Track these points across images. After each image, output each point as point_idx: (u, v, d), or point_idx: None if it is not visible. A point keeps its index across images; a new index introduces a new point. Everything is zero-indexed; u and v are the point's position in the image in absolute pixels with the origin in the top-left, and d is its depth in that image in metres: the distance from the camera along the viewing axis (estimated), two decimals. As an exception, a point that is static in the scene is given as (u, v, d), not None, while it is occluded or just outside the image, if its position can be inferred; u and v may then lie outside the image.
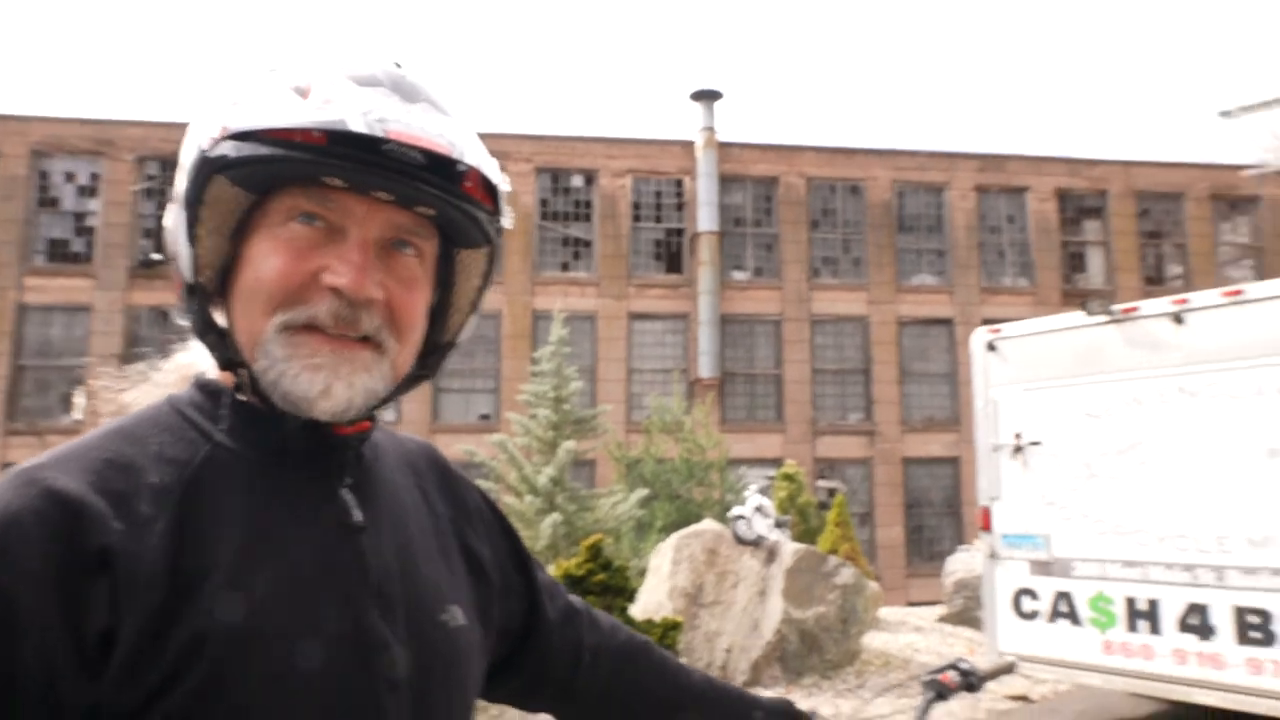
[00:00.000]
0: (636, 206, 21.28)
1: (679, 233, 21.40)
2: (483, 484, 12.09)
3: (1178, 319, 5.65)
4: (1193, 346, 5.57)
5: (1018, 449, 6.32)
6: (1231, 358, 5.40)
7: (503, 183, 0.83)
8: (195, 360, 0.88)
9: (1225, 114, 20.37)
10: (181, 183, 0.78)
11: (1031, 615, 6.14)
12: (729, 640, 7.19)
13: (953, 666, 1.74)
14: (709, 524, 8.18)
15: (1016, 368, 6.43)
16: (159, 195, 20.10)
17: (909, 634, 9.64)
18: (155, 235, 19.99)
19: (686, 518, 11.85)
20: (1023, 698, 7.41)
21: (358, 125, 0.72)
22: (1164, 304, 5.81)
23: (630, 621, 6.36)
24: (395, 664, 0.79)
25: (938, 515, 20.78)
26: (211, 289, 0.79)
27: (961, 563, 10.39)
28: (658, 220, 21.41)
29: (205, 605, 0.70)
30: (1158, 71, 70.05)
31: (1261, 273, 21.36)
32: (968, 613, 10.04)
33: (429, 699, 0.82)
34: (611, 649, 1.13)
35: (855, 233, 21.87)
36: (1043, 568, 6.10)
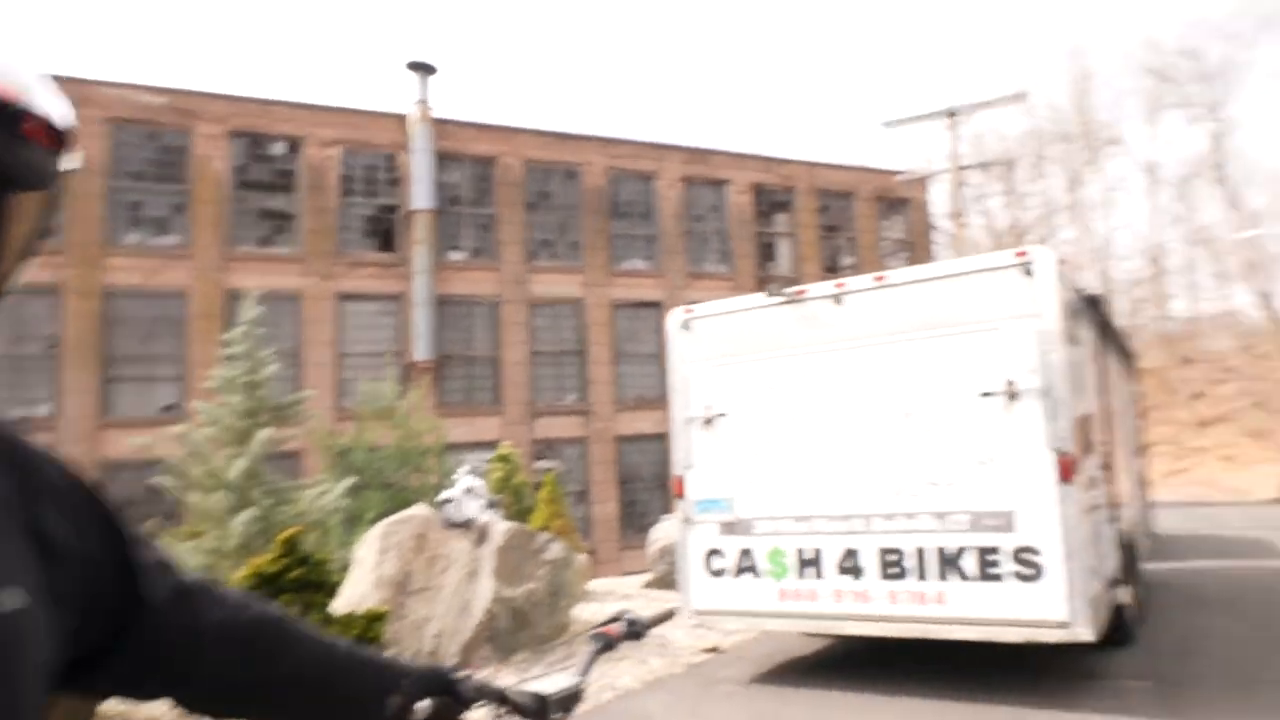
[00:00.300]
0: (347, 180, 20.14)
1: (392, 210, 20.57)
2: (162, 483, 10.87)
3: (837, 300, 6.38)
4: (849, 324, 6.32)
5: (708, 420, 6.82)
6: (878, 333, 6.20)
7: (69, 121, 0.76)
8: None
9: (888, 124, 23.39)
10: None
11: (720, 572, 6.68)
12: (438, 625, 7.08)
13: (616, 619, 1.82)
14: (418, 509, 7.99)
15: (707, 345, 6.93)
16: None
17: (616, 602, 10.09)
18: None
19: (401, 506, 11.49)
20: (715, 649, 8.03)
21: None
22: (827, 287, 6.55)
23: (329, 618, 6.05)
24: None
25: (648, 489, 21.94)
26: None
27: (664, 531, 11.05)
28: (370, 196, 20.42)
29: None
30: (839, 80, 78.63)
31: (912, 263, 24.85)
32: (670, 577, 10.71)
33: None
34: (239, 624, 1.07)
35: (571, 216, 22.35)
36: (729, 528, 6.64)
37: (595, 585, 10.99)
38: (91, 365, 16.92)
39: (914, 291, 6.13)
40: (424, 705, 1.22)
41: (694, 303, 7.46)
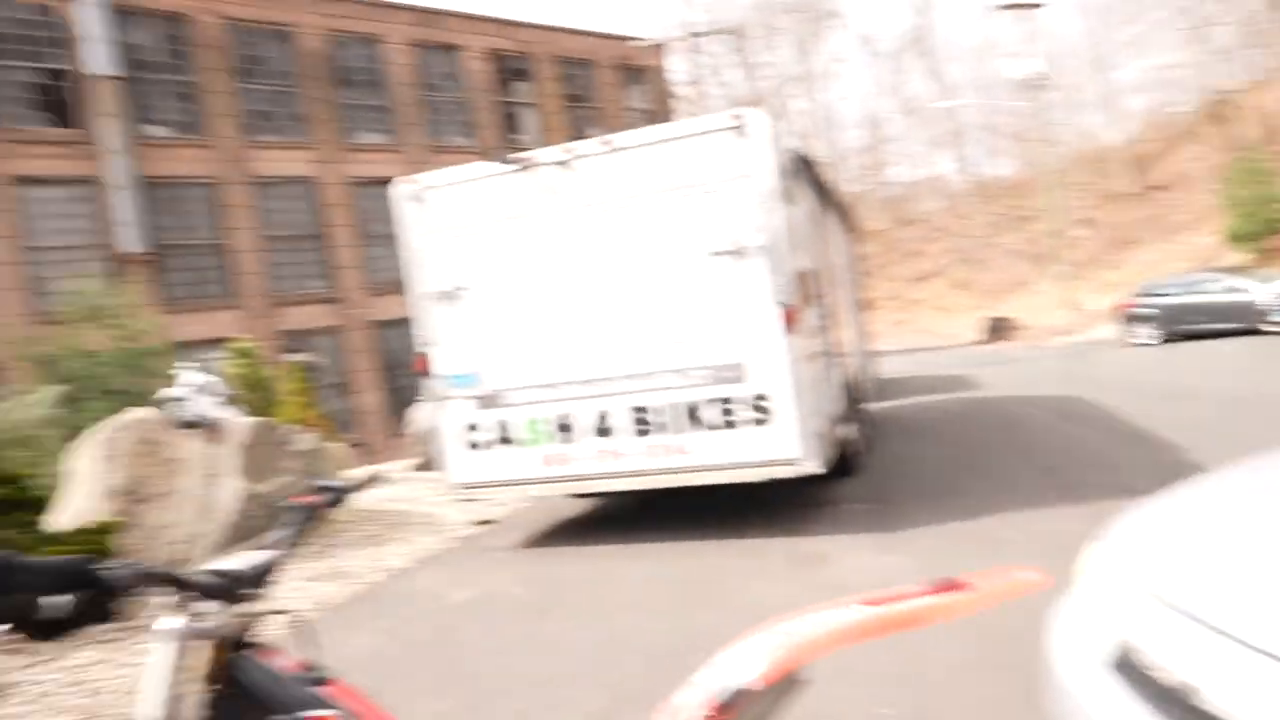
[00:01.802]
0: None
1: (62, 75, 17.59)
2: None
3: (566, 165, 6.39)
4: (580, 189, 6.38)
5: (448, 295, 6.71)
6: (610, 198, 6.32)
7: None
8: None
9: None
10: None
11: (478, 445, 6.76)
12: (182, 530, 6.66)
13: (317, 488, 1.79)
14: (143, 412, 7.31)
15: (440, 217, 6.72)
16: None
17: (383, 489, 9.98)
18: None
19: (126, 413, 10.44)
20: (487, 522, 8.23)
21: None
22: (555, 152, 6.52)
23: (42, 535, 5.47)
24: None
25: (411, 375, 21.44)
26: None
27: (421, 413, 10.94)
28: (32, 57, 17.28)
29: None
30: (574, -58, 75.85)
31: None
32: (434, 458, 10.71)
33: None
34: None
35: (289, 85, 20.34)
36: (483, 401, 6.69)
37: (358, 473, 10.76)
38: None
39: (640, 155, 6.27)
40: (57, 600, 1.16)
41: (440, 178, 7.16)
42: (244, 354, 11.90)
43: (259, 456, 7.18)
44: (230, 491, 6.83)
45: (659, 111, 27.31)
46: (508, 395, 6.64)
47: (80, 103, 17.54)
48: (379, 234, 21.25)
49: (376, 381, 20.79)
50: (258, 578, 1.56)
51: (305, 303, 20.01)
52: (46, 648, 4.98)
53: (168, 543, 6.46)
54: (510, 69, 24.37)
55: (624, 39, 26.23)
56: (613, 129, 25.33)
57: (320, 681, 1.57)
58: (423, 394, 8.43)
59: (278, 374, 13.37)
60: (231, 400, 7.89)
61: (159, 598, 1.40)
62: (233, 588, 1.51)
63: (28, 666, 4.83)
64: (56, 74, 17.46)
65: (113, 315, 12.60)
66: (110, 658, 4.93)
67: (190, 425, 7.02)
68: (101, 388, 11.64)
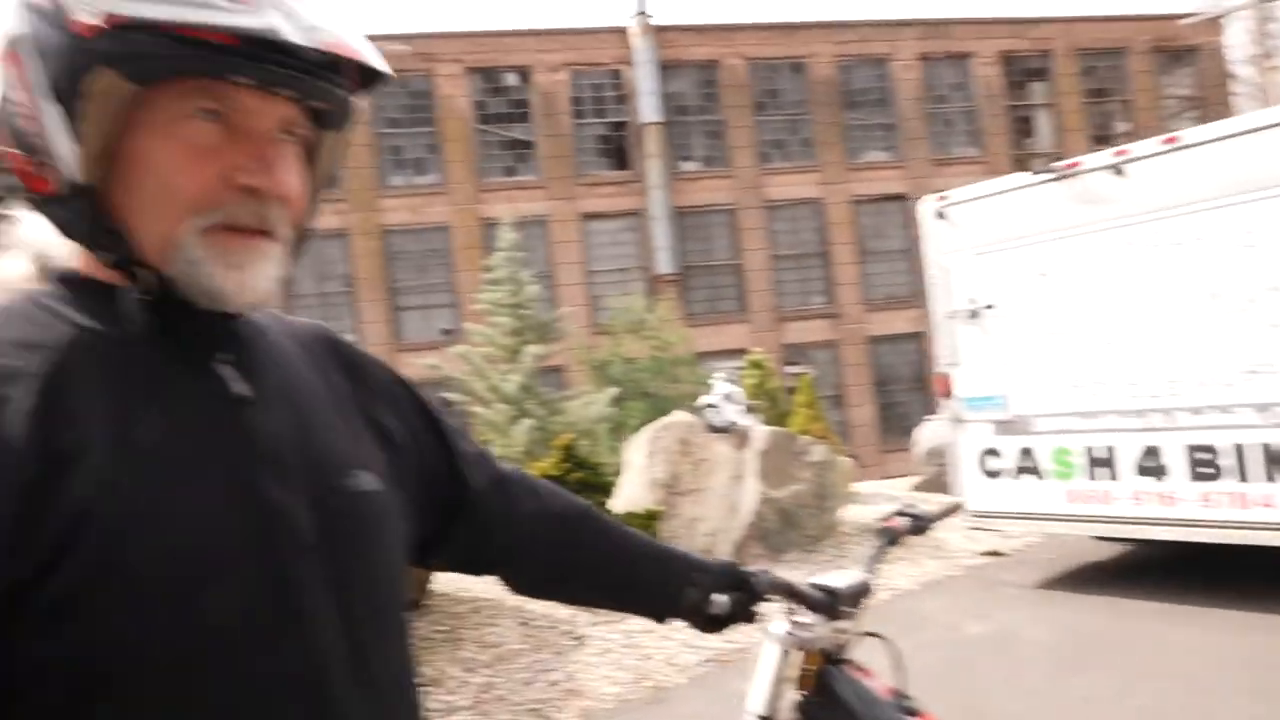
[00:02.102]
0: (576, 102, 20.69)
1: (622, 126, 20.90)
2: (452, 397, 12.08)
3: (1118, 171, 5.66)
4: (1134, 197, 5.60)
5: (973, 313, 6.41)
6: (1172, 205, 5.45)
7: (388, 69, 0.82)
8: (9, 271, 0.85)
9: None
10: (35, 72, 0.73)
11: (997, 473, 6.35)
12: (710, 525, 7.38)
13: (900, 513, 1.78)
14: (680, 415, 8.28)
15: (966, 233, 6.46)
16: None
17: (884, 505, 9.97)
18: None
19: (660, 414, 11.98)
20: (995, 553, 7.74)
21: (292, 34, 0.72)
22: (1105, 157, 5.82)
23: (612, 515, 6.48)
24: (298, 527, 0.79)
25: (906, 390, 21.23)
26: (97, 186, 0.75)
27: (930, 432, 10.68)
28: (599, 115, 20.85)
29: (84, 483, 0.69)
30: (1097, -80, 68.47)
31: (1205, 123, 21.54)
32: (940, 479, 10.36)
33: (343, 560, 0.82)
34: (551, 514, 1.16)
35: (802, 113, 21.53)
36: (1005, 427, 6.27)
37: (860, 488, 10.92)
38: (380, 297, 18.99)
39: (1216, 152, 5.28)
40: (720, 599, 1.27)
41: (942, 191, 6.95)
42: (757, 365, 12.86)
43: (776, 463, 7.65)
44: (751, 494, 7.39)
45: (1210, 99, 23.20)
46: (1034, 422, 6.13)
47: (632, 147, 20.71)
48: (877, 250, 21.43)
49: (869, 396, 20.97)
50: (855, 597, 1.59)
51: (806, 317, 21.01)
52: (607, 613, 5.88)
53: (705, 534, 7.20)
54: (1023, 70, 22.78)
55: (1168, 18, 22.76)
56: (1146, 124, 22.17)
57: (912, 712, 1.55)
58: (935, 413, 8.23)
59: (785, 385, 14.21)
60: (752, 409, 8.55)
61: (775, 604, 1.50)
62: (834, 604, 1.55)
63: (594, 624, 5.75)
64: (616, 125, 20.86)
65: (649, 328, 14.56)
66: (654, 628, 5.64)
67: (719, 430, 7.75)
68: (639, 390, 13.54)
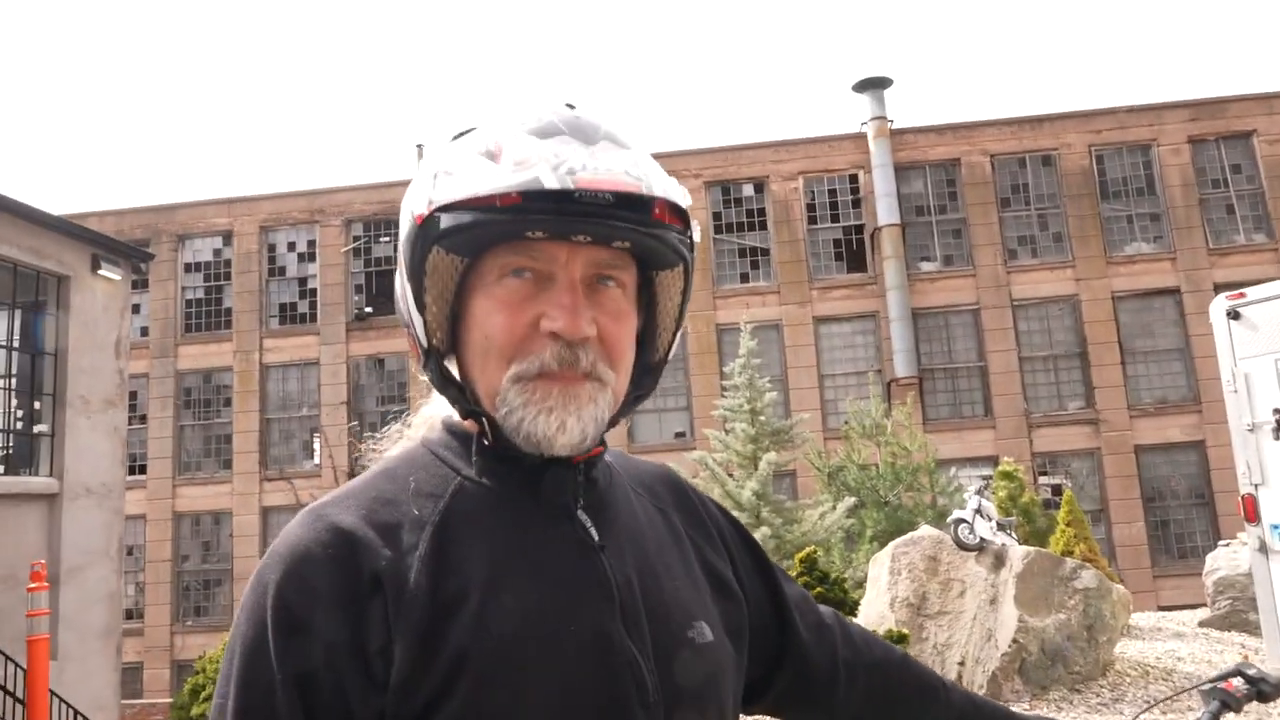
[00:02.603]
0: (810, 208, 20.90)
1: (858, 229, 20.79)
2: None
3: None
4: None
5: (1278, 426, 5.60)
6: None
7: (686, 200, 0.87)
8: (439, 410, 0.96)
9: None
10: (404, 256, 0.85)
11: (1321, 616, 5.39)
12: (960, 652, 6.79)
13: (1238, 673, 1.52)
14: (927, 530, 7.78)
15: (1269, 336, 5.71)
16: (365, 253, 21.96)
17: (1168, 640, 8.71)
18: (365, 290, 21.83)
19: (897, 525, 11.39)
20: (1317, 710, 6.48)
21: (550, 181, 0.77)
22: None
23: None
24: (644, 679, 0.81)
25: (1184, 507, 18.77)
26: (444, 349, 0.86)
27: (1224, 559, 9.28)
28: (834, 219, 20.91)
29: (464, 627, 0.77)
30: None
31: None
32: (1235, 616, 8.94)
33: (683, 715, 0.83)
34: (868, 664, 1.12)
35: (1052, 207, 20.35)
36: (1328, 560, 5.34)
37: (1136, 619, 9.65)
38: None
39: None
40: None
41: (1222, 285, 6.21)
42: (1008, 476, 11.93)
43: (1037, 588, 6.96)
44: (1008, 621, 6.74)
45: None
46: (1368, 557, 5.17)
47: (868, 250, 20.51)
48: (1143, 350, 19.48)
49: (1138, 512, 18.72)
50: None
51: (1060, 423, 19.33)
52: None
53: (955, 662, 6.64)
54: (1320, 147, 20.25)
55: None
56: None
57: None
58: (1229, 537, 7.18)
59: (1038, 498, 13.03)
60: (1004, 526, 7.89)
61: None
62: None
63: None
64: (852, 229, 20.81)
65: (886, 433, 14.00)
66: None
67: (970, 548, 7.20)
68: (874, 499, 12.95)
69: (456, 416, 0.91)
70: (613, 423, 0.88)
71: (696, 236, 0.89)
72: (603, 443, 0.91)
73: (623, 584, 0.84)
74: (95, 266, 11.34)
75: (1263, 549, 5.70)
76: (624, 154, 0.82)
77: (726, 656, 0.91)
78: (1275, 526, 5.63)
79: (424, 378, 0.94)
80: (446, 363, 0.86)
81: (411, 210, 0.83)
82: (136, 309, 20.64)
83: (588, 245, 0.82)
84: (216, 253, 22.34)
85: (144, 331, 21.60)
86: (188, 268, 22.32)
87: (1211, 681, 1.57)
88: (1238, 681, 1.56)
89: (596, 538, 0.86)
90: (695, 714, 0.85)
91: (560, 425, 0.82)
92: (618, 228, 0.80)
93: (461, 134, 0.88)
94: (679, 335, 0.95)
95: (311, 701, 0.73)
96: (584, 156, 0.79)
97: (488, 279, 0.83)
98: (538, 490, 0.85)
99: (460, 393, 0.86)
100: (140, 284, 20.21)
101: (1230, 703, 1.53)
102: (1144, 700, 6.71)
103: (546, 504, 0.86)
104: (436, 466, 0.87)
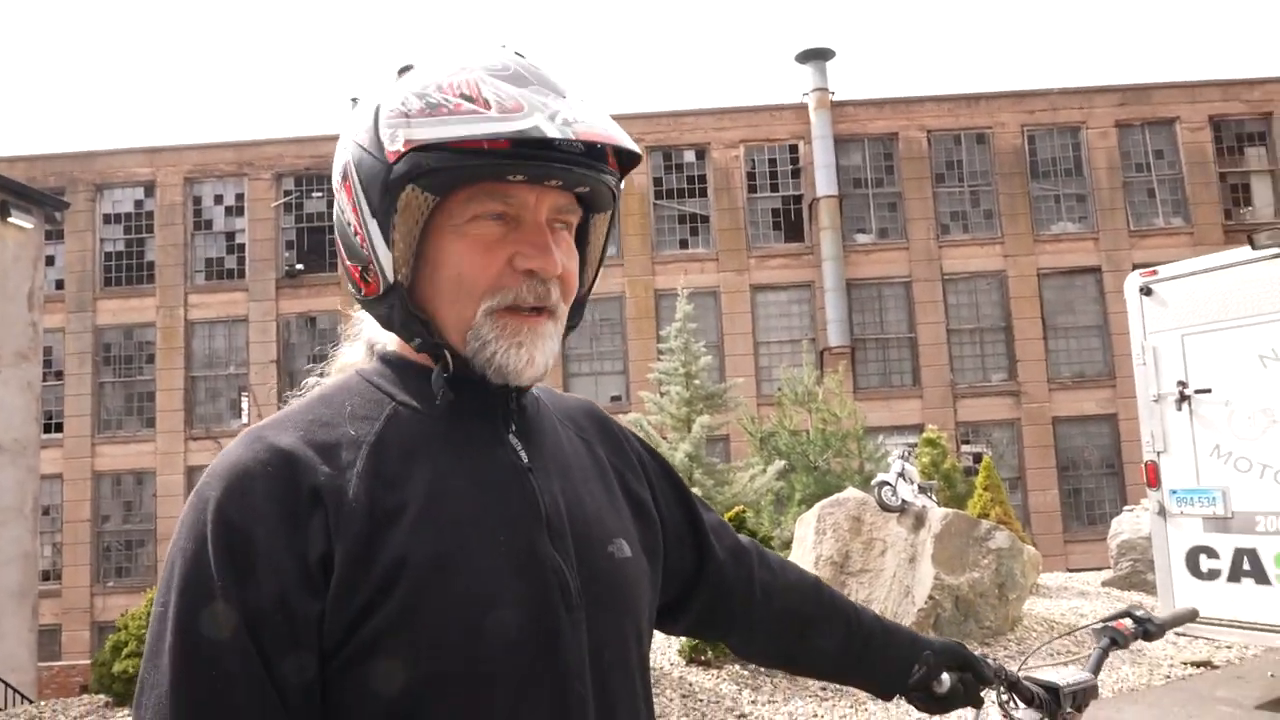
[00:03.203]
0: (751, 177, 21.01)
1: (797, 199, 21.00)
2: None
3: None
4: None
5: (1183, 398, 5.91)
6: None
7: (638, 150, 0.91)
8: (353, 357, 1.01)
9: None
10: (362, 191, 0.87)
11: (1210, 575, 5.74)
12: (879, 607, 7.06)
13: (1128, 614, 1.64)
14: (852, 492, 8.03)
15: (1177, 312, 6.00)
16: (297, 208, 21.35)
17: (1073, 599, 9.19)
18: (296, 247, 21.25)
19: (825, 489, 11.68)
20: (1206, 663, 6.94)
21: (550, 130, 0.81)
22: None
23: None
24: (569, 585, 0.87)
25: (1096, 476, 19.67)
26: (407, 285, 0.88)
27: (1127, 524, 9.80)
28: (773, 189, 21.07)
29: (402, 536, 0.80)
30: (1322, -26, 63.13)
31: None
32: (1135, 576, 9.48)
33: (601, 622, 0.89)
34: (783, 586, 1.19)
35: (984, 184, 20.85)
36: (1220, 524, 5.68)
37: (1045, 579, 10.13)
38: (555, 363, 19.78)
39: None
40: (947, 678, 1.24)
41: (1141, 265, 6.50)
42: (931, 443, 12.33)
43: (953, 548, 7.25)
44: (925, 578, 7.03)
45: None
46: (1256, 520, 5.52)
47: (806, 220, 20.75)
48: (1064, 326, 20.20)
49: (1052, 480, 19.54)
50: (1080, 698, 1.49)
51: (984, 394, 19.99)
52: (776, 690, 5.71)
53: (873, 618, 6.90)
54: (1236, 134, 21.11)
55: None
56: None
57: None
58: (1133, 503, 7.57)
59: (960, 465, 13.51)
60: (925, 489, 8.17)
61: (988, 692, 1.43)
62: (1058, 702, 1.46)
63: (758, 703, 5.59)
64: (791, 199, 21.00)
65: (818, 401, 14.29)
66: (820, 713, 5.41)
67: (892, 509, 7.46)
68: (804, 464, 13.24)
69: (391, 347, 0.95)
70: None
71: (623, 183, 0.93)
72: None
73: (549, 503, 0.89)
74: (4, 214, 10.83)
75: (1161, 512, 6.03)
76: (594, 106, 0.87)
77: (643, 572, 0.97)
78: (1174, 492, 5.95)
79: (357, 316, 0.98)
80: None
81: (379, 146, 0.84)
82: (51, 261, 19.75)
83: (553, 190, 0.87)
84: (138, 204, 21.45)
85: (59, 285, 20.69)
86: (107, 219, 21.39)
87: (1104, 621, 1.69)
88: (1127, 621, 1.68)
89: (526, 460, 0.91)
90: (614, 621, 0.91)
91: (529, 360, 0.88)
92: (586, 175, 0.86)
93: (406, 69, 0.90)
94: (599, 271, 1.01)
95: (252, 608, 0.76)
96: (571, 108, 0.83)
97: (457, 219, 0.86)
98: (470, 415, 0.90)
99: (424, 327, 0.88)
100: (55, 235, 19.32)
101: (1119, 640, 1.65)
102: (1042, 656, 7.08)
103: (481, 429, 0.90)
104: (371, 392, 0.90)
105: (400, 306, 0.89)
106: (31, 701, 9.00)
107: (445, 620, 0.80)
